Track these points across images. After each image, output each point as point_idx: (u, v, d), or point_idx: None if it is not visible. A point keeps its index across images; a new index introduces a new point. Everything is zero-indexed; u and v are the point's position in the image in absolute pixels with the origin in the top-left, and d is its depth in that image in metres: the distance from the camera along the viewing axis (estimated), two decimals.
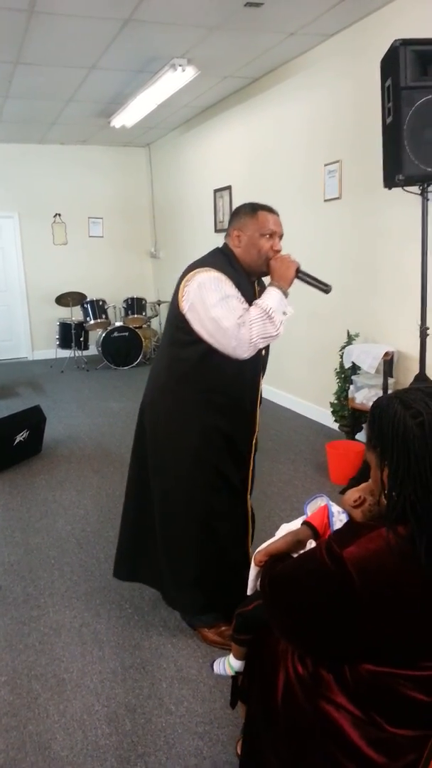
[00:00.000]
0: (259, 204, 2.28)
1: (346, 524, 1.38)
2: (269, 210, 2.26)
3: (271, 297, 2.15)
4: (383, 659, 1.20)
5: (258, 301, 2.15)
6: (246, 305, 2.15)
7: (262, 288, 2.35)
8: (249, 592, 1.69)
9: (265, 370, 2.44)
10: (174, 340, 2.27)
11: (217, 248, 2.32)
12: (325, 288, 2.27)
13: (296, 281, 2.26)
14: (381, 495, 1.26)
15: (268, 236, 2.22)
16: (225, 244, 2.30)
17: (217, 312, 2.09)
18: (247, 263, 2.24)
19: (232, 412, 2.29)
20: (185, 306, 2.16)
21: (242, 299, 2.16)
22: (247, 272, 2.26)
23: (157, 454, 2.41)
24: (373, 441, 1.26)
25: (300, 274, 2.24)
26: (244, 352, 2.12)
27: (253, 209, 2.25)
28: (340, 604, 1.17)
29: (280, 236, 2.25)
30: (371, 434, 1.27)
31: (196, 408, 2.27)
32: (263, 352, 2.34)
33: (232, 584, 2.30)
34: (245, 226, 2.23)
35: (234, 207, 6.48)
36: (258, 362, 2.30)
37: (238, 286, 2.18)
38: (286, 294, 2.20)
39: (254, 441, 2.41)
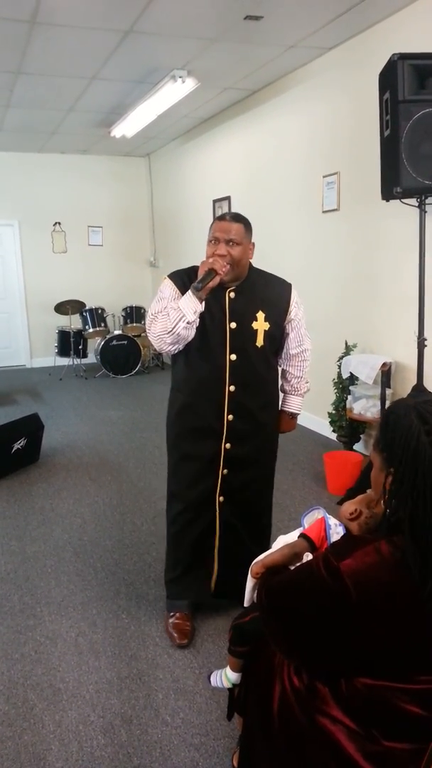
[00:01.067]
0: (220, 214, 2.46)
1: (342, 537, 1.38)
2: (221, 218, 2.37)
3: (183, 297, 2.30)
4: (378, 672, 1.20)
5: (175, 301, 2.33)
6: (176, 306, 2.29)
7: (243, 298, 2.40)
8: (246, 604, 1.68)
9: (248, 383, 2.41)
10: None
11: None
12: (195, 283, 2.27)
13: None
14: (381, 499, 1.26)
15: (212, 242, 2.34)
16: None
17: (150, 310, 2.39)
18: None
19: (196, 410, 2.44)
20: None
21: (177, 301, 2.32)
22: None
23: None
24: (382, 445, 1.24)
25: (206, 274, 2.26)
26: (156, 345, 2.36)
27: (213, 221, 2.41)
28: (336, 616, 1.17)
29: (228, 241, 2.31)
30: (381, 437, 1.25)
31: (172, 405, 2.53)
32: (231, 357, 2.36)
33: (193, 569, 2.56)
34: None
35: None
36: (214, 370, 2.37)
37: (186, 290, 2.31)
38: (198, 295, 2.25)
39: (223, 449, 2.45)
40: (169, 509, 2.64)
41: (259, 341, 2.40)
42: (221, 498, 2.50)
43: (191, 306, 2.25)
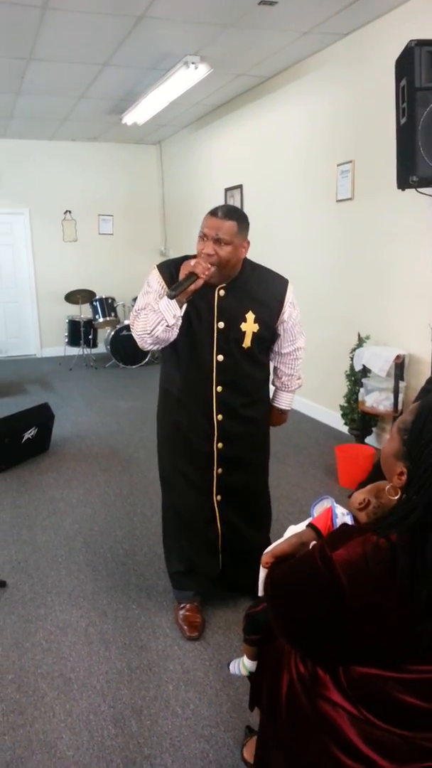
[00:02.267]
0: (215, 207, 2.27)
1: (339, 527, 1.39)
2: (213, 213, 2.22)
3: (163, 299, 2.19)
4: (370, 661, 1.22)
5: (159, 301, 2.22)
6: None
7: (234, 297, 2.31)
8: (260, 593, 1.69)
9: (236, 383, 2.36)
10: None
11: None
12: (169, 290, 2.17)
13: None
14: (390, 483, 1.25)
15: (201, 238, 2.23)
16: None
17: (136, 303, 2.33)
18: None
19: (185, 410, 2.40)
20: None
21: (160, 294, 2.25)
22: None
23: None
24: (407, 435, 1.22)
25: (185, 278, 2.16)
26: (139, 344, 2.28)
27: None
28: (329, 604, 1.20)
29: (217, 240, 2.17)
30: (408, 426, 1.22)
31: (163, 399, 2.50)
32: (218, 358, 2.30)
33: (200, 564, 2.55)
34: None
35: (245, 206, 6.49)
36: (200, 369, 2.32)
37: (173, 282, 2.21)
38: (178, 301, 2.17)
39: (215, 449, 2.40)
40: (165, 506, 2.63)
41: (246, 343, 2.31)
42: (218, 497, 2.47)
43: (170, 310, 2.16)
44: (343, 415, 4.59)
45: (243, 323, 2.30)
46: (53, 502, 3.86)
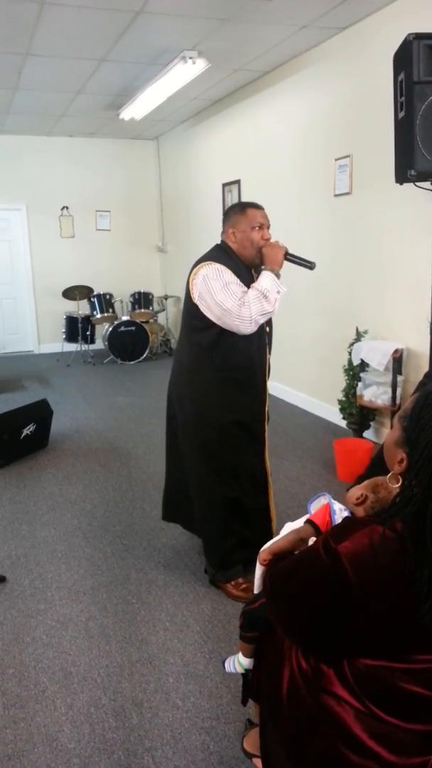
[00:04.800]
0: (247, 202, 2.65)
1: (342, 520, 1.40)
2: (256, 206, 2.60)
3: (265, 279, 2.51)
4: (377, 652, 1.22)
5: (254, 284, 2.52)
6: (245, 289, 2.51)
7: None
8: (255, 590, 1.70)
9: (271, 347, 2.76)
10: (191, 327, 2.64)
11: (217, 245, 2.66)
12: (309, 265, 2.59)
13: (287, 263, 2.59)
14: (392, 472, 1.26)
15: (257, 228, 2.57)
16: (222, 241, 2.65)
17: (220, 297, 2.47)
18: (244, 255, 2.59)
19: (245, 386, 2.65)
20: (195, 296, 2.54)
21: (241, 285, 2.51)
22: (246, 263, 2.61)
23: (186, 426, 2.74)
24: (406, 422, 1.23)
25: (288, 256, 2.58)
26: (246, 328, 2.49)
27: (242, 208, 2.61)
28: (336, 597, 1.19)
29: (268, 226, 2.60)
30: (408, 414, 1.23)
31: (214, 385, 2.62)
32: (267, 328, 2.69)
33: (253, 534, 2.72)
34: (238, 223, 2.59)
35: (243, 201, 6.49)
36: (263, 339, 2.68)
37: (237, 274, 2.53)
38: (278, 275, 2.54)
39: (266, 411, 2.78)
40: (224, 483, 2.70)
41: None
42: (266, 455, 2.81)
43: (276, 287, 2.51)
44: (342, 410, 4.60)
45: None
46: (52, 498, 3.86)
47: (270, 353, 2.76)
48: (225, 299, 2.46)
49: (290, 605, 1.34)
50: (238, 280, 2.52)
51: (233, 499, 2.71)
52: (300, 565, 1.33)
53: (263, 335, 2.67)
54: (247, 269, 2.61)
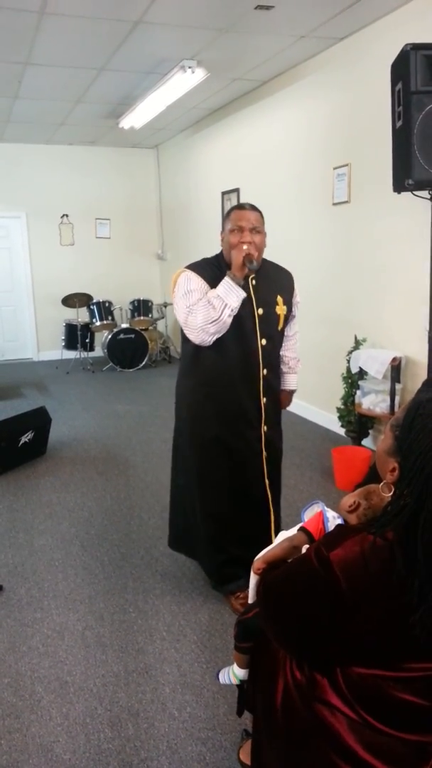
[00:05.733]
0: (237, 204, 2.52)
1: (335, 528, 1.39)
2: (240, 207, 2.44)
3: (219, 285, 2.35)
4: (369, 660, 1.21)
5: (209, 291, 2.37)
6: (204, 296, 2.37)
7: (264, 284, 2.51)
8: (250, 600, 1.69)
9: (274, 366, 2.60)
10: (182, 335, 2.54)
11: (216, 254, 2.58)
12: (250, 265, 2.35)
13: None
14: (385, 481, 1.26)
15: (236, 231, 2.40)
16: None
17: (177, 305, 2.41)
18: (228, 259, 2.46)
19: (225, 402, 2.51)
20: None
21: (205, 293, 2.38)
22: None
23: (178, 433, 2.73)
24: (398, 431, 1.23)
25: (245, 261, 2.33)
26: (196, 338, 2.37)
27: (229, 210, 2.48)
28: (327, 605, 1.19)
29: (252, 229, 2.38)
30: (400, 423, 1.23)
31: (196, 397, 2.55)
32: (263, 341, 2.48)
33: (250, 555, 2.55)
34: (224, 227, 2.48)
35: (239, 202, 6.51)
36: (248, 354, 2.47)
37: (214, 283, 2.38)
38: (236, 281, 2.34)
39: (262, 434, 2.58)
40: (206, 498, 2.64)
41: (280, 325, 2.56)
42: (267, 480, 2.64)
43: (234, 294, 2.32)
44: (340, 418, 4.59)
45: (276, 307, 2.53)
46: (50, 506, 3.85)
47: (269, 371, 2.54)
48: (180, 308, 2.39)
49: (283, 613, 1.34)
50: (205, 288, 2.38)
51: (215, 515, 2.62)
52: (292, 573, 1.33)
53: (249, 350, 2.48)
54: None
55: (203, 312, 2.31)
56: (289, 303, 2.59)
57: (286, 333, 2.68)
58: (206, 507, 2.64)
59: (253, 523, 2.67)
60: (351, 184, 4.72)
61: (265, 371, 2.51)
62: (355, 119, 4.62)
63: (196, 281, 2.41)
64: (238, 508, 2.64)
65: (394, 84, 3.29)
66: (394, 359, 4.07)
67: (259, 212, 2.43)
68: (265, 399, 2.54)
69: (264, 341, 2.49)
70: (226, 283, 2.33)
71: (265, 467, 2.64)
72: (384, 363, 4.09)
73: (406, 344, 4.21)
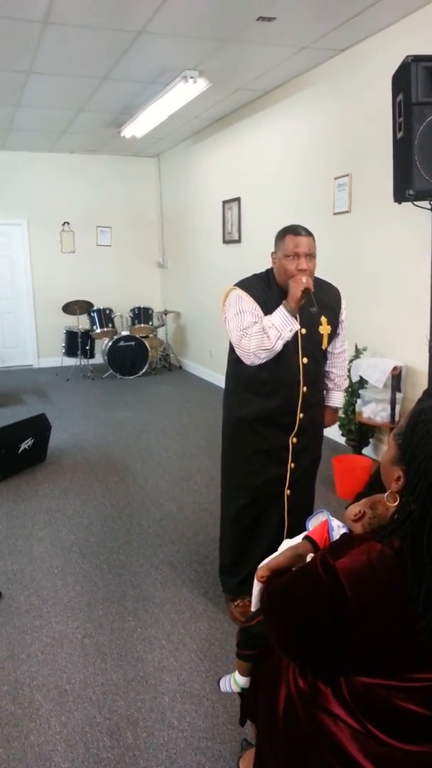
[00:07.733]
0: (290, 227, 2.46)
1: (340, 537, 1.39)
2: (295, 232, 2.42)
3: (275, 314, 2.38)
4: (374, 670, 1.21)
5: (265, 318, 2.39)
6: (258, 320, 2.40)
7: (322, 306, 2.50)
8: (253, 608, 1.69)
9: (317, 383, 2.61)
10: (230, 344, 2.57)
11: (266, 269, 2.58)
12: (312, 309, 2.37)
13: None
14: (389, 490, 1.26)
15: (291, 257, 2.39)
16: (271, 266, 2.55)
17: (231, 324, 2.45)
18: (280, 283, 2.47)
19: (272, 413, 2.52)
20: (222, 318, 2.52)
21: (257, 314, 2.41)
22: (284, 290, 2.43)
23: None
24: (401, 439, 1.23)
25: (305, 294, 2.35)
26: (247, 360, 2.42)
27: (283, 233, 2.45)
28: (333, 613, 1.19)
29: (308, 255, 2.40)
30: (403, 430, 1.23)
31: (242, 406, 2.58)
32: (305, 360, 2.51)
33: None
34: (277, 249, 2.46)
35: (243, 218, 6.54)
36: (292, 373, 2.50)
37: (265, 301, 2.43)
38: (293, 313, 2.36)
39: (291, 442, 2.58)
40: (229, 505, 2.71)
41: (324, 344, 2.57)
42: (288, 491, 2.62)
43: (287, 325, 2.36)
44: (341, 426, 4.59)
45: (320, 326, 2.55)
46: (49, 513, 3.84)
47: (311, 388, 2.55)
48: (233, 328, 2.43)
49: (287, 621, 1.33)
50: (257, 309, 2.42)
51: (239, 534, 2.69)
52: (297, 581, 1.32)
53: (293, 369, 2.50)
54: (284, 296, 2.47)
55: (257, 339, 2.36)
56: (334, 323, 2.60)
57: (330, 350, 2.70)
58: (228, 513, 2.72)
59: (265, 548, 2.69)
60: (352, 194, 4.74)
61: (305, 389, 2.53)
62: (355, 129, 4.65)
63: (248, 302, 2.44)
64: (263, 533, 2.67)
65: (395, 95, 3.31)
66: (394, 368, 4.08)
67: (312, 236, 2.45)
68: (302, 415, 2.54)
69: (305, 360, 2.52)
70: (283, 314, 2.36)
71: (287, 488, 2.63)
72: (384, 372, 4.09)
73: (407, 353, 4.22)
